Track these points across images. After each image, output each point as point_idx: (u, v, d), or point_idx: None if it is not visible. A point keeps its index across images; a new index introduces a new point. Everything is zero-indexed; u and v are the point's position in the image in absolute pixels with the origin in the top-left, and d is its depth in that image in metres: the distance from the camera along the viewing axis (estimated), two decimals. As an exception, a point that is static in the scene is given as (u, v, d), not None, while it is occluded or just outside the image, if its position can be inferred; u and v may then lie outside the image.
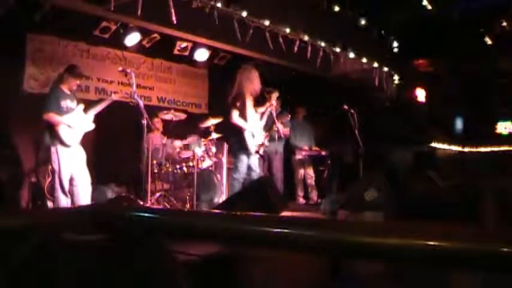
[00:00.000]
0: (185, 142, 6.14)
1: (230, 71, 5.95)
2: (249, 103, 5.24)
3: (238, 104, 5.16)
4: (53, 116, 4.71)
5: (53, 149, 4.75)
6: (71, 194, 4.82)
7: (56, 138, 4.72)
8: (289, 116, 7.00)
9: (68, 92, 4.94)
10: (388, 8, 7.66)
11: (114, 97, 5.23)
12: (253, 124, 5.20)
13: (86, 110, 5.03)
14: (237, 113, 5.13)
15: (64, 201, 4.73)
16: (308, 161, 7.60)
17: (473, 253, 0.91)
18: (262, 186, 4.16)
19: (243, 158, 5.15)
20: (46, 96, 5.00)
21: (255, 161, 5.24)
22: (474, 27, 8.20)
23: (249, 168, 5.18)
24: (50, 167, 4.97)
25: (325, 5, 6.78)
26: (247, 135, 5.12)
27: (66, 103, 4.85)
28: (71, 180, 4.83)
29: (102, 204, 4.44)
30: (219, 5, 5.44)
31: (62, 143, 4.72)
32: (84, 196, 4.88)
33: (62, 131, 4.72)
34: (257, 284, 1.78)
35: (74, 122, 4.83)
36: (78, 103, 5.02)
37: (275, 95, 5.46)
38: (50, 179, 5.25)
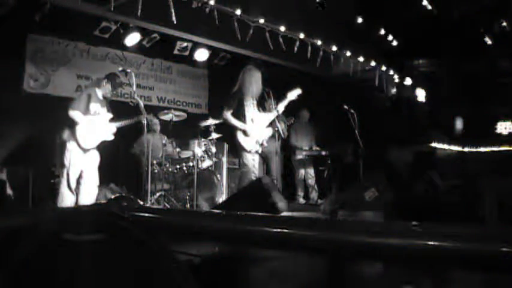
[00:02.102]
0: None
1: (230, 71, 5.93)
2: (248, 103, 5.22)
3: (234, 103, 5.16)
4: (77, 115, 4.73)
5: (68, 146, 4.78)
6: (77, 193, 4.84)
7: (73, 137, 4.75)
8: (293, 119, 7.01)
9: (101, 98, 4.96)
10: (388, 7, 7.65)
11: (143, 119, 5.14)
12: (252, 124, 5.19)
13: (112, 120, 5.03)
14: (230, 110, 5.13)
15: (68, 199, 4.76)
16: (309, 161, 7.60)
17: (473, 253, 0.91)
18: (262, 186, 4.16)
19: (245, 154, 5.17)
20: (78, 94, 4.99)
21: (256, 161, 5.24)
22: (474, 27, 8.19)
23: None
24: (61, 162, 4.98)
25: (325, 5, 6.77)
26: (239, 134, 5.13)
27: (95, 106, 4.86)
28: (79, 178, 4.85)
29: (102, 204, 4.45)
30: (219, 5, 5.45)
31: (77, 144, 4.74)
32: (89, 197, 4.89)
33: (80, 133, 4.74)
34: (257, 284, 1.78)
35: (95, 127, 4.83)
36: (108, 111, 5.01)
37: (296, 92, 5.38)
38: (58, 175, 5.25)
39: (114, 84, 5.00)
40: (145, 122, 5.12)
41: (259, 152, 5.29)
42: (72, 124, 4.75)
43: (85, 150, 4.80)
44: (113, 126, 5.03)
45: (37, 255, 1.05)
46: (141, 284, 1.08)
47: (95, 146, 4.90)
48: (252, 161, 5.19)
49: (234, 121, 5.11)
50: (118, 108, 5.44)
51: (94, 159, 4.92)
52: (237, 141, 5.14)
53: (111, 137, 5.02)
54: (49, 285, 1.05)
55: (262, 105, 5.47)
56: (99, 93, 4.95)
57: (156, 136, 6.29)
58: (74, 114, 4.73)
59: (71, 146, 4.77)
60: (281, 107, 5.33)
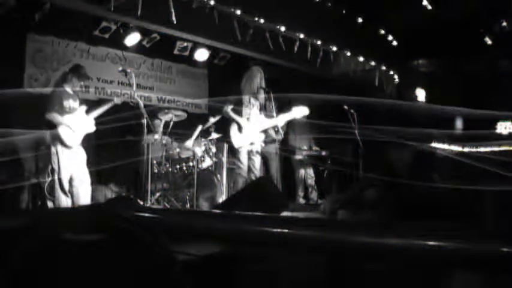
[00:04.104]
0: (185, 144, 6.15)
1: (230, 71, 5.95)
2: (247, 101, 5.26)
3: (233, 99, 5.23)
4: (55, 116, 4.71)
5: (53, 149, 4.75)
6: (71, 194, 4.82)
7: (57, 138, 4.73)
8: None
9: (71, 92, 4.93)
10: (388, 7, 7.65)
11: (117, 101, 5.20)
12: (247, 122, 5.22)
13: (88, 112, 5.03)
14: (231, 106, 5.19)
15: (64, 201, 4.74)
16: (308, 161, 7.59)
17: (473, 253, 0.91)
18: (262, 186, 4.16)
19: (238, 155, 5.19)
20: (49, 95, 5.00)
21: (255, 161, 5.25)
22: (474, 27, 8.19)
23: (249, 169, 5.19)
24: (50, 166, 4.97)
25: (325, 5, 6.78)
26: (232, 130, 5.17)
27: (69, 103, 4.84)
28: (71, 180, 4.83)
29: (101, 204, 4.44)
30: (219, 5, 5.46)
31: (63, 144, 4.72)
32: (84, 196, 4.88)
33: (63, 132, 4.72)
34: (257, 284, 1.78)
35: (75, 123, 4.82)
36: (80, 103, 5.00)
37: (302, 111, 5.38)
38: (49, 179, 5.25)
39: (78, 75, 4.94)
40: (145, 122, 5.12)
41: (258, 151, 5.31)
42: (52, 127, 4.73)
43: (71, 150, 4.78)
44: (91, 117, 5.01)
45: (37, 255, 1.05)
46: (141, 284, 1.08)
47: (80, 142, 4.89)
48: (248, 162, 5.20)
49: (234, 115, 5.17)
50: (118, 107, 5.44)
51: (81, 156, 4.91)
52: (229, 136, 5.20)
53: (93, 128, 5.02)
54: (49, 285, 1.05)
55: (263, 107, 5.49)
56: (68, 88, 4.90)
57: (157, 136, 6.30)
58: (52, 116, 4.70)
59: (56, 149, 4.74)
60: (281, 120, 5.35)
